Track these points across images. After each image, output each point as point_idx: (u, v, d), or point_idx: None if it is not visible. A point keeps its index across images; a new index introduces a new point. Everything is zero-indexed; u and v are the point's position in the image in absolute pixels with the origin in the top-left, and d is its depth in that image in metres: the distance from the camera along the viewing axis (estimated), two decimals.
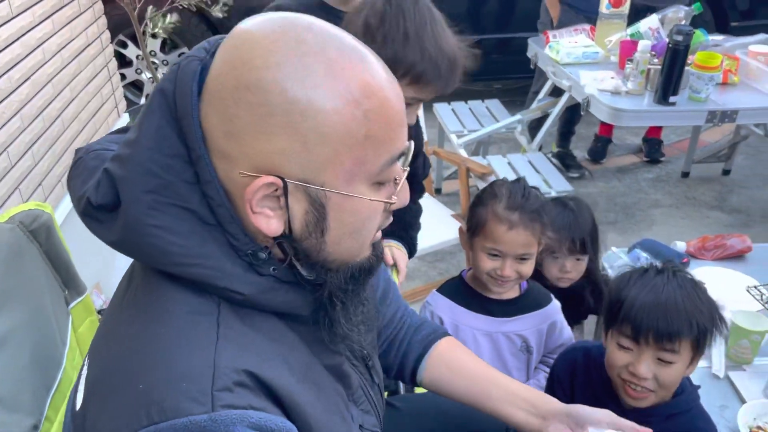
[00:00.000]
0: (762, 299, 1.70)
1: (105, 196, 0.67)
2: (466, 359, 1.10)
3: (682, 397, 1.26)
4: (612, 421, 1.00)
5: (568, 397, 1.38)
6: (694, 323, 1.15)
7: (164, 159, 0.65)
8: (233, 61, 0.64)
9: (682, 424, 1.24)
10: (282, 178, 0.64)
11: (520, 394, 1.04)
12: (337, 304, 0.73)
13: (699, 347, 1.19)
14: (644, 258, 1.95)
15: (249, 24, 0.66)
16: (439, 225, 2.50)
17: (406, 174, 0.72)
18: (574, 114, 3.43)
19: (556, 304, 1.55)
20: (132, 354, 0.65)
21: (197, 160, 0.65)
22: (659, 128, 3.83)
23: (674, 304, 1.16)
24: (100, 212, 0.68)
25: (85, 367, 0.72)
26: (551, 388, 1.42)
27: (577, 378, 1.37)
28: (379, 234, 0.75)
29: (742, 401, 1.43)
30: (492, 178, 2.57)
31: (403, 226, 1.58)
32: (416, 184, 1.63)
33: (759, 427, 1.34)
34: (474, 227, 1.43)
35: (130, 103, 3.03)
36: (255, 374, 0.64)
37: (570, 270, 1.72)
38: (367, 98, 0.64)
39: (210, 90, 0.65)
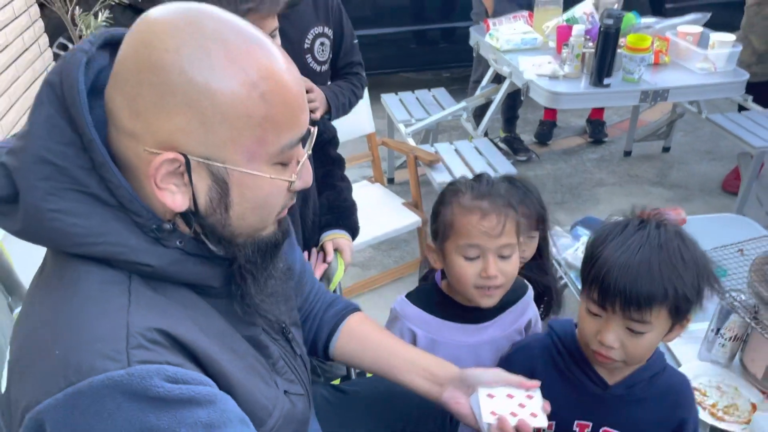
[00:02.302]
0: None
1: (3, 188, 0.68)
2: (373, 332, 1.15)
3: (656, 356, 1.21)
4: (501, 379, 1.04)
5: None
6: (671, 290, 1.03)
7: (57, 147, 0.67)
8: (136, 44, 0.67)
9: (662, 383, 1.20)
10: (184, 155, 0.67)
11: (419, 363, 1.09)
12: (246, 276, 0.77)
13: (678, 315, 1.07)
14: (585, 235, 2.02)
15: (153, 11, 0.69)
16: (391, 214, 2.55)
17: (306, 156, 0.77)
18: (516, 99, 3.52)
19: (531, 289, 1.43)
20: (45, 326, 0.67)
21: (89, 144, 0.67)
22: (601, 110, 3.95)
23: (648, 267, 1.03)
24: (1, 205, 0.69)
25: (6, 353, 0.74)
26: None
27: (538, 377, 1.18)
28: (285, 212, 0.79)
29: (678, 365, 1.52)
30: (439, 166, 2.63)
31: (338, 212, 1.59)
32: (325, 155, 1.63)
33: (694, 388, 1.43)
34: (441, 231, 1.26)
35: None
36: (169, 333, 0.67)
37: (523, 249, 1.56)
38: (264, 80, 0.68)
39: (115, 73, 0.68)
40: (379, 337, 1.15)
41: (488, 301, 1.27)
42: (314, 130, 0.77)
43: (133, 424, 0.61)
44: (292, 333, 0.90)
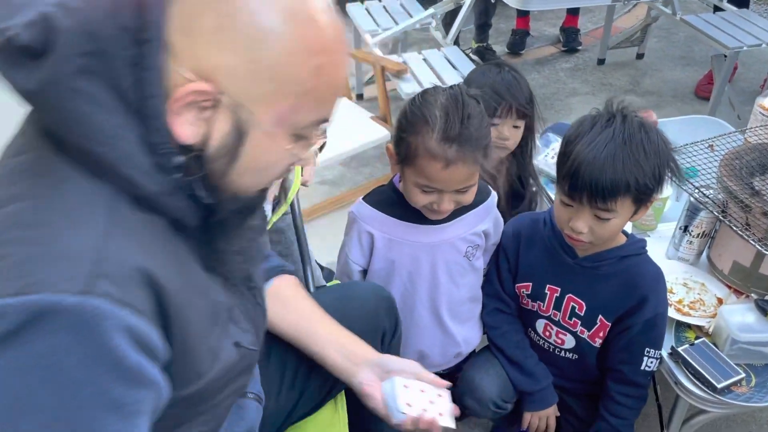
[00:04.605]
0: None
1: (36, 39, 0.60)
2: (298, 297, 1.12)
3: (633, 240, 1.35)
4: (416, 372, 1.05)
5: (512, 264, 1.45)
6: (632, 181, 1.14)
7: (112, 28, 0.61)
8: None
9: (634, 266, 1.33)
10: (219, 92, 0.64)
11: (339, 339, 1.08)
12: (218, 229, 0.74)
13: (641, 201, 1.20)
14: (556, 141, 1.99)
15: None
16: (359, 128, 2.47)
17: (321, 141, 0.76)
18: (488, 4, 3.39)
19: (494, 195, 1.44)
20: (12, 226, 0.61)
21: (147, 41, 0.62)
22: (575, 17, 3.83)
23: (612, 162, 1.14)
24: (22, 55, 0.61)
25: None
26: (496, 259, 1.47)
27: (523, 242, 1.43)
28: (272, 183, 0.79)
29: None
30: (408, 77, 2.54)
31: None
32: None
33: None
34: (404, 157, 1.23)
35: None
36: (146, 271, 0.62)
37: (508, 137, 1.59)
38: (324, 55, 0.66)
39: None
40: (303, 304, 1.12)
41: (437, 217, 1.31)
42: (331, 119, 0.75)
43: (61, 362, 0.56)
44: (255, 282, 0.86)
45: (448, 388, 1.07)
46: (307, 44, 0.65)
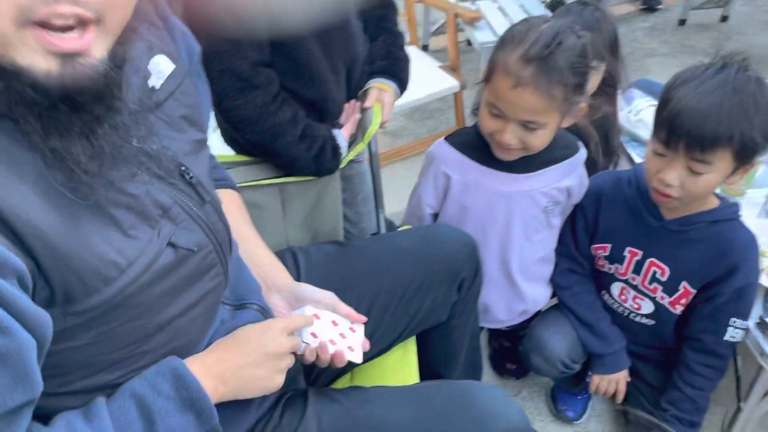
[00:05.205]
0: None
1: None
2: (235, 214, 1.03)
3: (725, 204, 1.24)
4: (331, 304, 0.99)
5: (590, 223, 1.38)
6: (737, 134, 1.05)
7: None
8: None
9: (726, 231, 1.23)
10: None
11: (259, 260, 1.01)
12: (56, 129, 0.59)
13: (743, 159, 1.09)
14: (640, 98, 1.88)
15: None
16: (425, 78, 2.39)
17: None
18: None
19: (583, 152, 1.35)
20: None
21: None
22: None
23: (717, 109, 1.05)
24: None
25: None
26: (572, 218, 1.40)
27: (604, 201, 1.34)
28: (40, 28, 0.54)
29: None
30: (481, 24, 2.44)
31: (392, 60, 1.41)
32: None
33: None
34: (486, 74, 1.19)
35: None
36: None
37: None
38: None
39: None
40: (238, 223, 1.02)
41: (506, 155, 1.24)
42: None
43: None
44: (196, 177, 0.76)
45: (365, 324, 1.01)
46: None
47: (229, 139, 1.30)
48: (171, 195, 0.72)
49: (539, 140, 1.19)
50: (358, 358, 0.97)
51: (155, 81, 0.74)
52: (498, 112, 1.16)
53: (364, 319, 1.00)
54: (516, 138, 1.17)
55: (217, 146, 1.30)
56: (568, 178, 1.32)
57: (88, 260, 0.62)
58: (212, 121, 1.23)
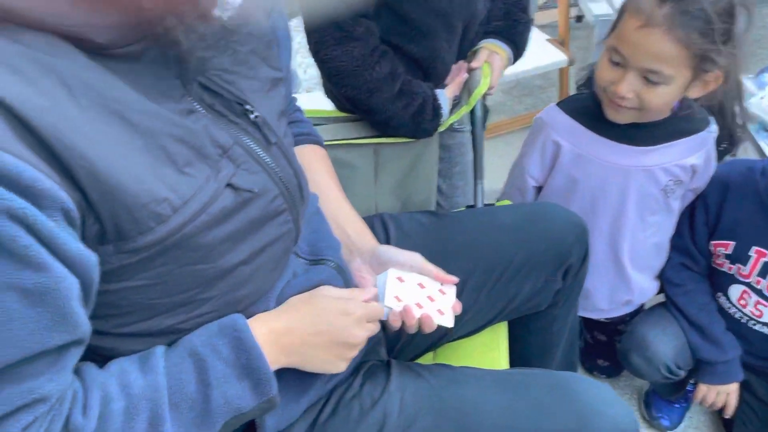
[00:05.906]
0: None
1: None
2: (320, 169, 0.98)
3: None
4: (417, 264, 0.89)
5: (711, 216, 1.24)
6: None
7: None
8: None
9: None
10: None
11: (342, 220, 0.95)
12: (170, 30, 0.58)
13: None
14: None
15: None
16: (531, 51, 2.21)
17: None
18: None
19: (714, 127, 1.21)
20: None
21: None
22: None
23: None
24: None
25: None
26: (691, 208, 1.27)
27: (731, 192, 1.21)
28: None
29: None
30: None
31: (511, 22, 1.30)
32: None
33: None
34: (614, 24, 1.09)
35: None
36: (7, 106, 0.49)
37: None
38: None
39: None
40: (322, 177, 0.98)
41: (615, 115, 1.12)
42: None
43: None
44: (261, 116, 0.71)
45: (456, 284, 0.92)
46: None
47: (329, 93, 1.24)
48: (231, 134, 0.67)
49: (659, 99, 1.06)
50: (449, 322, 0.89)
51: (222, 11, 0.68)
52: (619, 58, 1.04)
53: (456, 279, 0.91)
54: (632, 91, 1.05)
55: (319, 100, 1.25)
56: (695, 156, 1.18)
57: (138, 195, 0.57)
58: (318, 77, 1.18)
